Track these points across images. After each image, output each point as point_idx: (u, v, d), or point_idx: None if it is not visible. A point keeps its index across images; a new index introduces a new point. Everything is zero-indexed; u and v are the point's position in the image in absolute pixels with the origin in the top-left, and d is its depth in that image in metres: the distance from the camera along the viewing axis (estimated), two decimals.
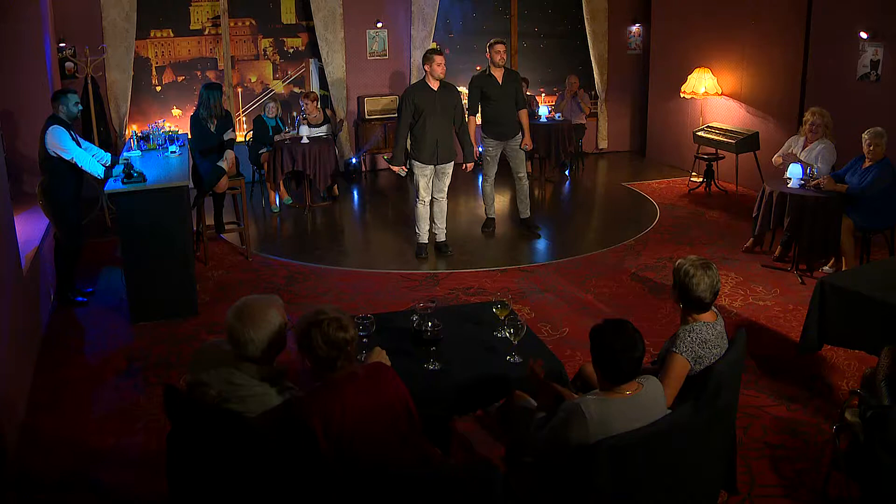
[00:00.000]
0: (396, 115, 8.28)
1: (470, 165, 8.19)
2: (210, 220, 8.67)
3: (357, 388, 3.09)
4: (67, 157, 6.58)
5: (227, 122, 8.46)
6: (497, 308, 4.11)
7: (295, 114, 11.18)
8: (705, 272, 3.71)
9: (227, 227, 8.82)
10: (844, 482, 4.18)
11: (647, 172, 12.13)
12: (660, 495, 3.29)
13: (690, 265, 3.75)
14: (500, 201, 10.40)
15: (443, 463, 3.29)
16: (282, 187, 10.23)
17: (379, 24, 11.97)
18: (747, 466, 4.48)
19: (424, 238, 8.21)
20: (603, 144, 13.53)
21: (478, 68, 12.71)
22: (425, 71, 7.77)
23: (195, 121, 8.35)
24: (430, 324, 3.93)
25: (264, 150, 10.19)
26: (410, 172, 8.13)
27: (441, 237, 8.32)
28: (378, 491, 2.80)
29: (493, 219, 9.07)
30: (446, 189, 8.12)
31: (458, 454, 3.53)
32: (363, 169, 12.24)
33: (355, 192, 11.33)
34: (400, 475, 2.86)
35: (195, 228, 8.10)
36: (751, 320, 6.54)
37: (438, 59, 7.67)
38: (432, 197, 8.10)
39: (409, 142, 8.05)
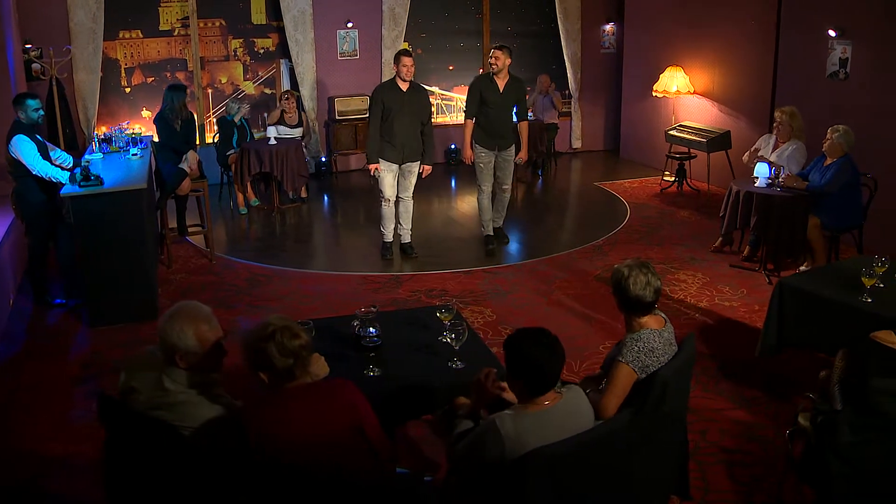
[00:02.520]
0: (367, 115, 8.18)
1: (427, 170, 8.03)
2: (173, 223, 8.55)
3: (302, 406, 2.98)
4: (31, 171, 6.52)
5: (191, 125, 8.37)
6: (441, 312, 4.03)
7: (266, 114, 11.10)
8: (640, 271, 3.63)
9: (190, 229, 8.69)
10: (798, 487, 4.13)
11: (620, 172, 12.07)
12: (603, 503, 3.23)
13: (625, 267, 3.68)
14: (474, 205, 10.34)
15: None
16: (249, 189, 10.11)
17: (349, 25, 11.85)
18: (702, 471, 4.42)
19: (389, 237, 8.12)
20: (577, 144, 13.46)
21: (450, 68, 12.69)
22: (395, 71, 7.73)
23: (161, 119, 8.24)
24: (370, 329, 3.84)
25: (232, 151, 10.06)
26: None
27: (406, 238, 8.22)
28: (302, 498, 2.72)
29: (492, 235, 8.45)
30: (412, 188, 8.02)
31: (404, 460, 3.45)
32: (334, 170, 12.12)
33: (325, 194, 11.23)
34: (327, 480, 2.77)
35: (159, 231, 8.00)
36: (715, 321, 6.49)
37: (406, 60, 7.61)
38: (398, 196, 8.00)
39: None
